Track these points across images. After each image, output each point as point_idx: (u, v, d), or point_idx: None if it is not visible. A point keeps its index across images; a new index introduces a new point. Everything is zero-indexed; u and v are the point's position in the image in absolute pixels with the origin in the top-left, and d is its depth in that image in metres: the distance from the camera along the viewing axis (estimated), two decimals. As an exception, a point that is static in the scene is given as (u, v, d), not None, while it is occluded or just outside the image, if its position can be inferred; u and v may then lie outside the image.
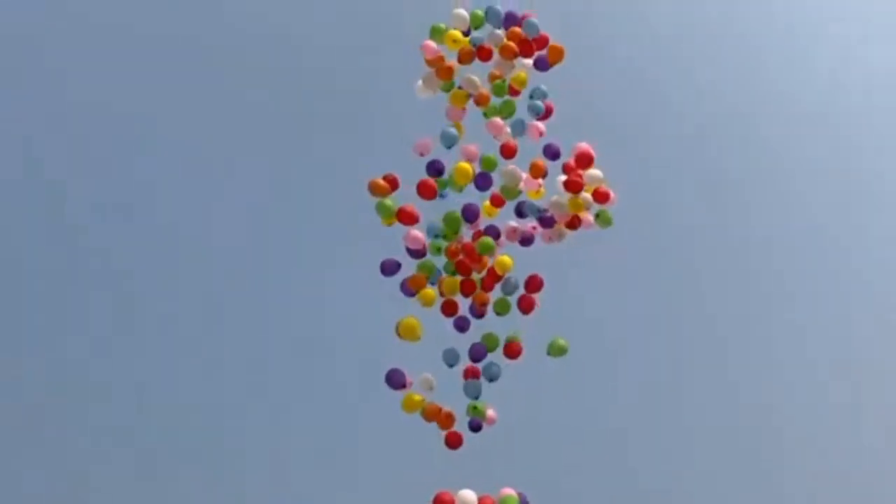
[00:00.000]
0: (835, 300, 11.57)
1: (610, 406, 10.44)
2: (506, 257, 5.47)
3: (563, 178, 5.56)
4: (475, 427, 5.40)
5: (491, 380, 5.44)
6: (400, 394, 5.39)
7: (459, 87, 5.50)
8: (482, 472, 5.31)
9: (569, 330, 6.05)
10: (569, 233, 5.61)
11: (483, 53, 5.48)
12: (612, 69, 11.31)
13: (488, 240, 5.38)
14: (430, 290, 5.39)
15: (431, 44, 5.50)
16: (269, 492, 9.64)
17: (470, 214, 5.40)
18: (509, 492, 5.20)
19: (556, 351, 5.56)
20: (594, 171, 5.57)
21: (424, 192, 5.35)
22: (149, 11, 10.67)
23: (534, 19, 5.54)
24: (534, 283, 5.55)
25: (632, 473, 10.28)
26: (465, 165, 5.39)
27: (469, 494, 4.96)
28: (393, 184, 5.46)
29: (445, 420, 5.36)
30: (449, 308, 5.48)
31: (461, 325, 5.51)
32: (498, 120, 5.50)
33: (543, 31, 5.61)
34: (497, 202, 5.65)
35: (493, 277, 5.47)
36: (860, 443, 10.85)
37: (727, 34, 12.31)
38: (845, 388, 11.08)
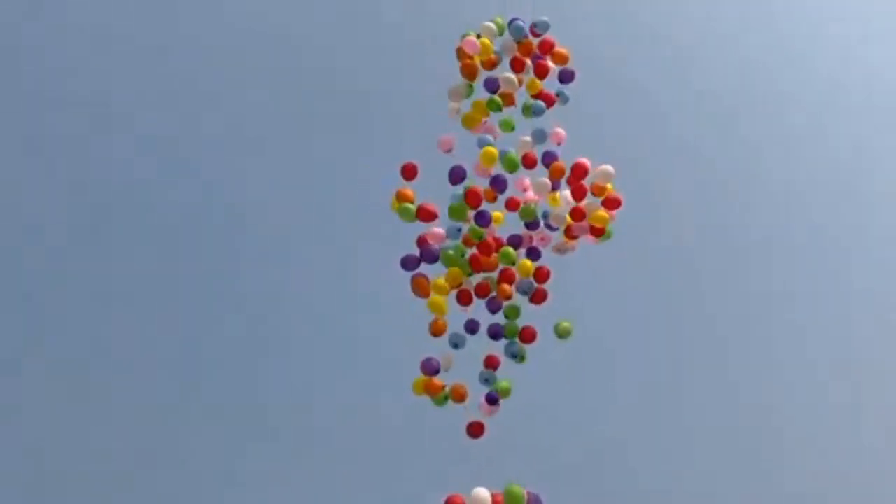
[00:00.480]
0: (835, 300, 11.59)
1: (611, 406, 10.46)
2: (527, 261, 5.73)
3: (568, 192, 5.80)
4: (492, 400, 5.61)
5: (514, 356, 5.68)
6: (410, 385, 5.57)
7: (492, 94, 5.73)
8: (486, 472, 5.33)
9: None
10: (574, 245, 5.85)
11: (517, 65, 5.77)
12: (610, 71, 11.32)
13: (510, 250, 5.63)
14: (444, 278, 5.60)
15: (474, 40, 5.71)
16: (275, 490, 9.64)
17: (483, 220, 5.59)
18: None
19: (562, 332, 5.80)
20: (606, 167, 5.76)
21: (471, 200, 5.55)
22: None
23: (544, 18, 5.80)
24: (541, 275, 5.78)
25: (632, 473, 10.29)
26: (491, 149, 5.60)
27: (483, 493, 4.99)
28: (412, 172, 5.65)
29: (456, 394, 5.54)
30: (464, 297, 5.68)
31: (472, 328, 5.72)
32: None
33: (549, 36, 5.84)
34: (513, 205, 5.87)
35: (510, 276, 5.71)
36: (860, 443, 10.86)
37: (727, 35, 12.34)
38: (845, 388, 11.09)
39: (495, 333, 5.70)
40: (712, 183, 11.86)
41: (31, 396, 9.57)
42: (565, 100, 5.92)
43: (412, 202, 5.58)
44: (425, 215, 5.55)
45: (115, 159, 10.55)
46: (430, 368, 5.52)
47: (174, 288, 10.40)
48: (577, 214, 5.67)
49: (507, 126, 5.77)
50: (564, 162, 5.78)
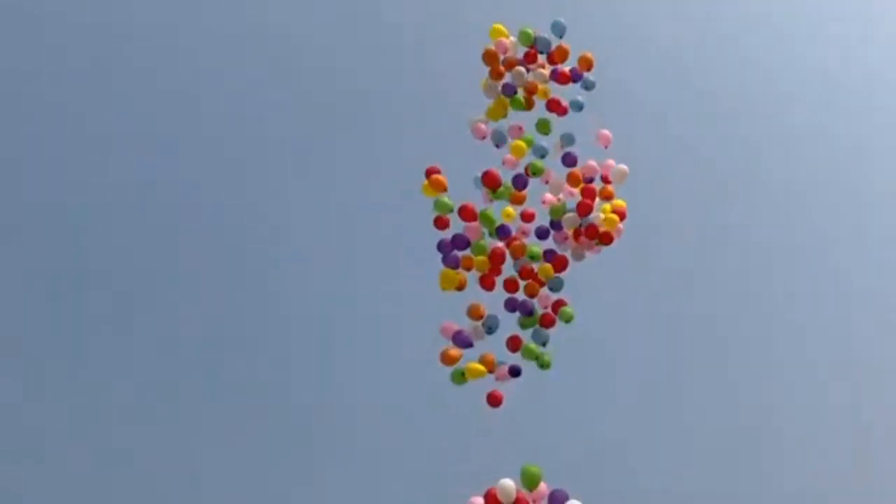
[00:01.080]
0: (835, 300, 11.60)
1: (612, 407, 10.46)
2: (547, 265, 6.13)
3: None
4: (515, 372, 5.95)
5: (543, 344, 6.07)
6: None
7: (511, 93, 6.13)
8: (491, 470, 5.35)
9: (572, 332, 6.24)
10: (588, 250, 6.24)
11: (529, 58, 6.15)
12: (609, 71, 11.28)
13: (535, 249, 6.08)
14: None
15: (505, 41, 6.11)
16: (285, 486, 9.66)
17: (504, 233, 6.03)
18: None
19: (566, 317, 6.18)
20: (621, 167, 6.13)
21: (489, 182, 5.95)
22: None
23: (560, 20, 6.15)
24: (559, 263, 6.17)
25: (632, 473, 10.28)
26: (521, 143, 6.04)
27: (508, 483, 5.06)
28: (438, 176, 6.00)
29: (487, 365, 5.84)
30: (487, 282, 6.07)
31: (491, 326, 6.05)
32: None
33: (564, 44, 6.18)
34: (527, 218, 6.28)
35: (529, 272, 6.12)
36: (860, 443, 10.86)
37: (726, 35, 12.35)
38: (845, 388, 11.09)
39: (528, 312, 6.10)
40: (712, 184, 11.87)
41: (30, 397, 9.58)
42: (592, 86, 6.22)
43: (446, 189, 5.91)
44: (467, 215, 5.91)
45: (117, 159, 10.56)
46: (463, 341, 5.81)
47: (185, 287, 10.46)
48: (591, 231, 6.06)
49: (528, 142, 6.11)
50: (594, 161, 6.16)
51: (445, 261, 5.92)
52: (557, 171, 6.17)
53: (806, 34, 12.49)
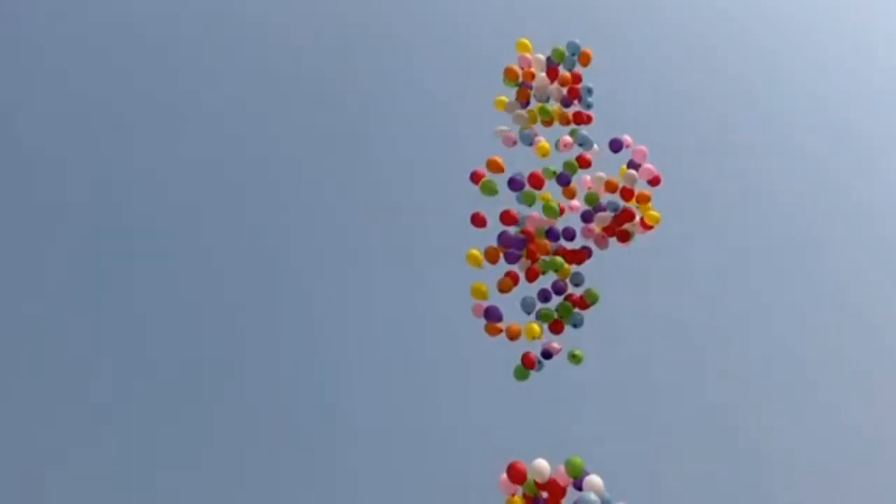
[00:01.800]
0: (835, 300, 11.62)
1: (610, 405, 10.49)
2: (566, 267, 6.31)
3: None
4: (547, 355, 6.12)
5: (575, 325, 6.25)
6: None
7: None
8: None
9: (573, 332, 6.24)
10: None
11: (552, 73, 6.38)
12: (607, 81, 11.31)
13: (557, 259, 6.24)
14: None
15: (527, 56, 6.33)
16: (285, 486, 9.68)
17: (552, 235, 6.26)
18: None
19: (591, 298, 6.35)
20: (632, 172, 6.30)
21: (535, 182, 6.16)
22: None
23: (576, 41, 6.36)
24: (581, 256, 6.36)
25: (631, 473, 10.29)
26: (545, 144, 6.24)
27: (542, 463, 5.09)
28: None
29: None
30: (513, 274, 6.23)
31: (528, 310, 6.23)
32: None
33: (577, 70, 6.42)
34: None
35: (543, 248, 6.29)
36: (860, 443, 10.87)
37: (721, 36, 12.41)
38: (845, 387, 11.11)
39: (559, 290, 6.29)
40: (712, 183, 11.90)
41: (34, 398, 9.61)
42: (588, 100, 6.42)
43: (503, 171, 6.08)
44: (507, 219, 6.08)
45: (116, 160, 10.58)
46: (494, 315, 5.97)
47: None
48: (624, 216, 6.31)
49: (549, 173, 6.28)
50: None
51: (508, 258, 6.04)
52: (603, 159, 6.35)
53: (806, 35, 12.55)
